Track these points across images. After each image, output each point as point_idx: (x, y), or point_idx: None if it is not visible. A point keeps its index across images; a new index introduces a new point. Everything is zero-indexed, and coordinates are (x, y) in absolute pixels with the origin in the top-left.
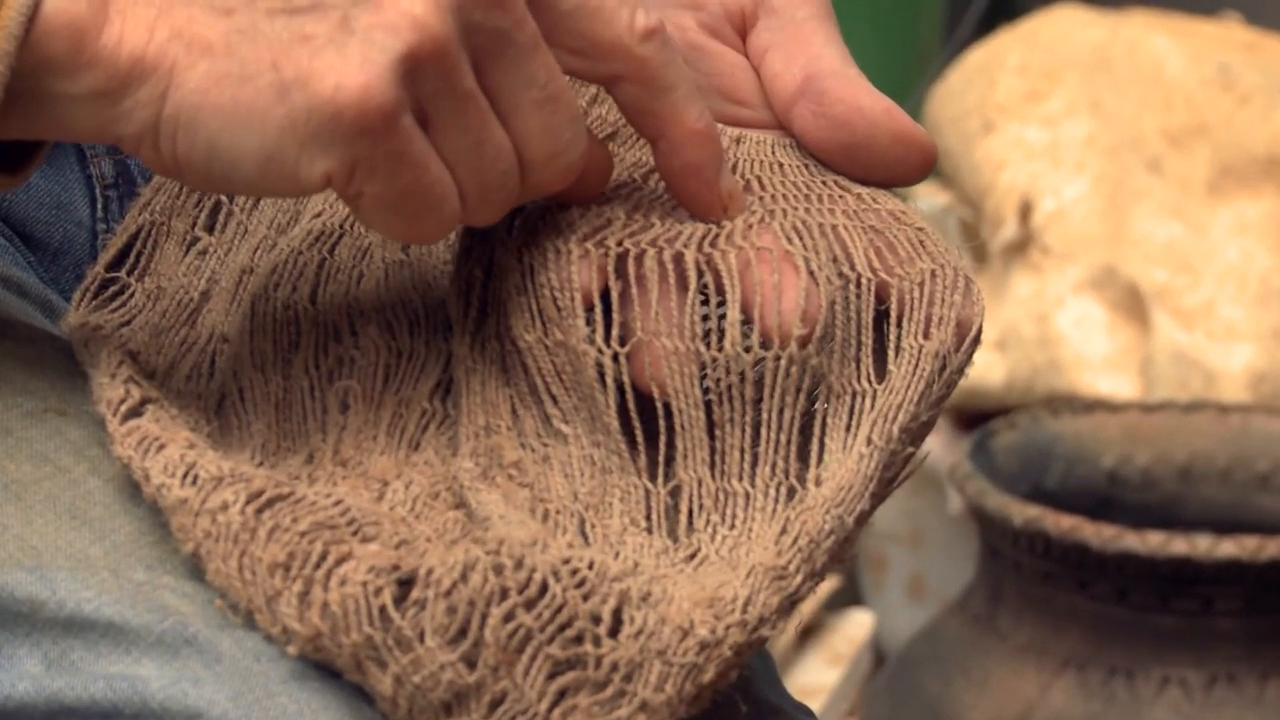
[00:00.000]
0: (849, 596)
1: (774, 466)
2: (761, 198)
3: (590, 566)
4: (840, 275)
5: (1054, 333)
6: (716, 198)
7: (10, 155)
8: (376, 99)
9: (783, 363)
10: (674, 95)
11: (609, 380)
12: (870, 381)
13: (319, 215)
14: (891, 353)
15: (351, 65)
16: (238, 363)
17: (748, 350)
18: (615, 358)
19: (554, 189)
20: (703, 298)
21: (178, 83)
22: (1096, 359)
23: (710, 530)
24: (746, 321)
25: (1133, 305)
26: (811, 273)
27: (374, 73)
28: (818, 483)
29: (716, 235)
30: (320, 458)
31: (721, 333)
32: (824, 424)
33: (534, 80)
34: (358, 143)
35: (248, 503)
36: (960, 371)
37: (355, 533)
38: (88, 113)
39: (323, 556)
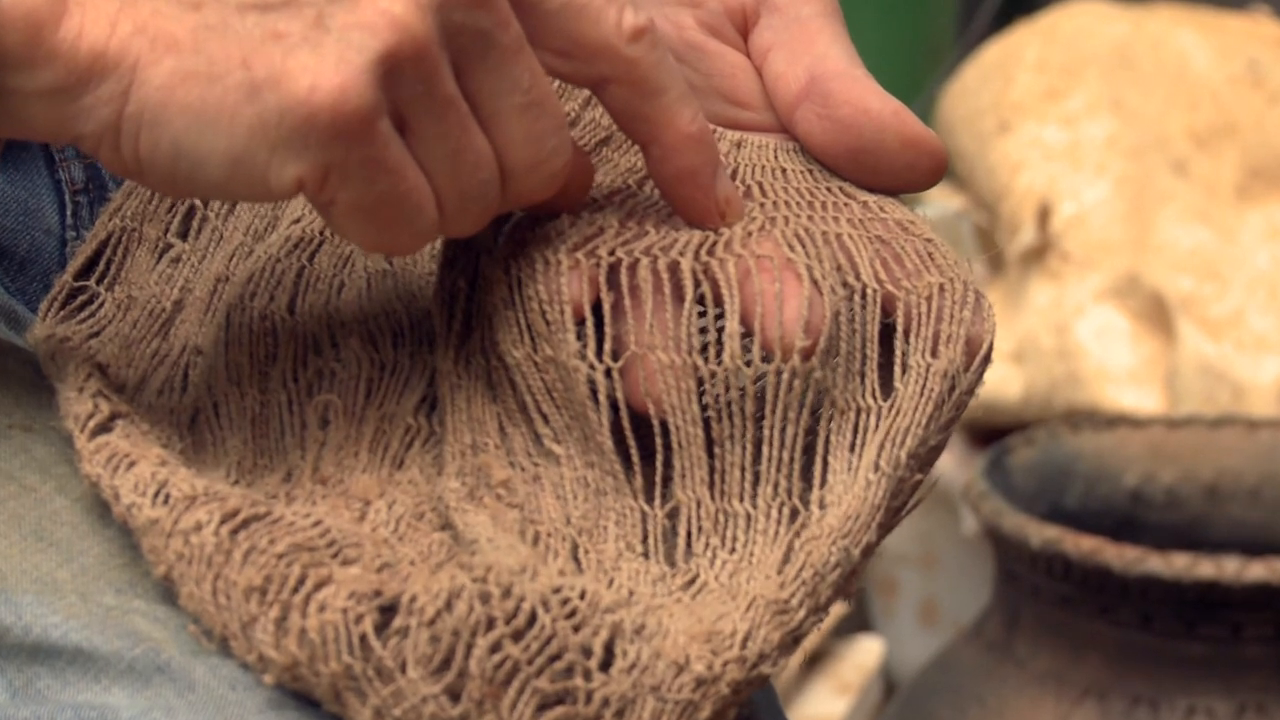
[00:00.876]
0: (857, 622)
1: (776, 486)
2: (763, 204)
3: (582, 596)
4: (844, 285)
5: (1074, 344)
6: (713, 204)
7: None
8: (353, 102)
9: (785, 376)
10: (665, 98)
11: (602, 397)
12: (875, 398)
13: (298, 221)
14: (898, 369)
15: (327, 65)
16: (212, 376)
17: (748, 364)
18: (608, 373)
19: (536, 199)
20: (700, 309)
21: (141, 80)
22: (1119, 371)
23: (709, 554)
24: (746, 333)
25: (1157, 315)
26: (815, 282)
27: (350, 74)
28: (821, 504)
29: (714, 243)
30: (299, 476)
31: (720, 345)
32: (827, 442)
33: (517, 84)
34: (332, 147)
35: (222, 523)
36: (970, 392)
37: (335, 555)
38: (45, 109)
39: (301, 580)
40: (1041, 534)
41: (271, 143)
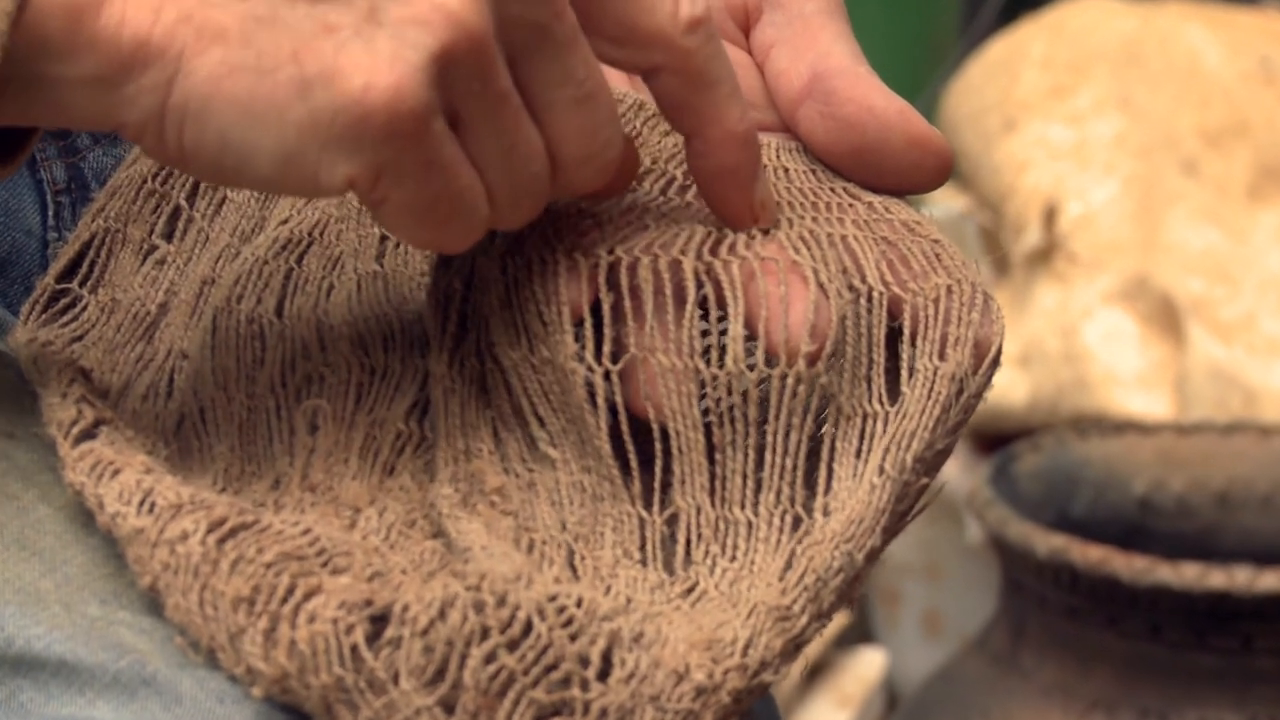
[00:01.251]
0: (859, 633)
1: (779, 493)
2: (777, 216)
3: (578, 604)
4: (850, 288)
5: (1081, 348)
6: (748, 205)
7: (2, 143)
8: (408, 102)
9: (789, 381)
10: (716, 92)
11: (600, 401)
12: (882, 403)
13: (285, 222)
14: (905, 373)
15: (381, 63)
16: (198, 381)
17: (751, 368)
18: (607, 376)
19: (586, 190)
20: (702, 311)
21: (187, 70)
22: (1127, 376)
23: (709, 562)
24: (750, 337)
25: (1166, 318)
26: (821, 285)
27: (405, 72)
28: (825, 512)
29: (717, 242)
30: (287, 483)
31: (722, 349)
32: (833, 448)
33: (571, 77)
34: (385, 148)
35: (209, 532)
36: (978, 395)
37: (325, 564)
38: (87, 98)
39: (290, 590)
40: (1048, 543)
41: (323, 141)
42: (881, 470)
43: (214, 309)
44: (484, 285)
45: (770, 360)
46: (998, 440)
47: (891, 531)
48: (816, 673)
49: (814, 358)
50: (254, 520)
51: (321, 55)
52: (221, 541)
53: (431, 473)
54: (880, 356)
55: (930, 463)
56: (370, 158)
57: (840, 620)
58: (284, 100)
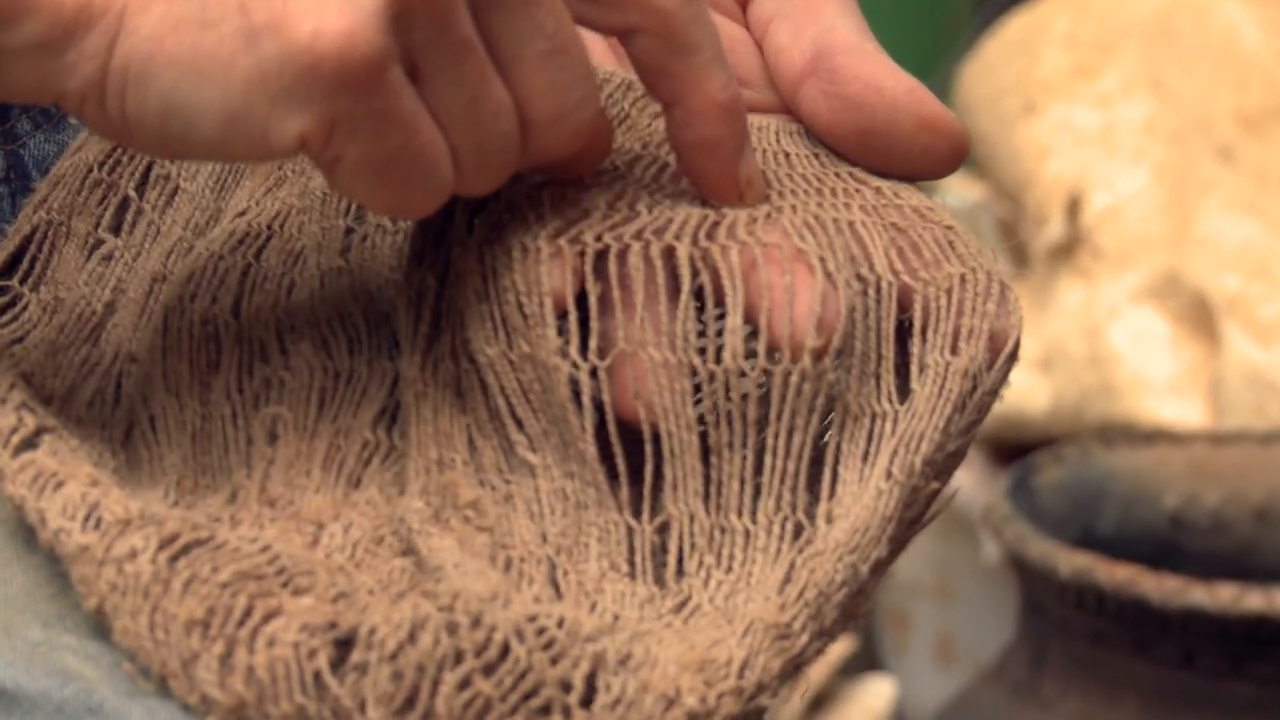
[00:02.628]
0: (866, 660)
1: (779, 499)
2: (766, 195)
3: (560, 624)
4: (858, 278)
5: (1107, 350)
6: (733, 180)
7: None
8: (361, 48)
9: (794, 378)
10: (698, 57)
11: (585, 399)
12: (892, 402)
13: (243, 214)
14: (915, 369)
15: (331, 8)
16: (148, 386)
17: (752, 363)
18: (593, 373)
19: (558, 154)
20: (698, 303)
21: (129, 29)
22: (1158, 381)
23: (703, 574)
24: (750, 330)
25: (1200, 317)
26: (828, 273)
27: (358, 18)
28: (828, 519)
29: (715, 226)
30: (245, 496)
31: (719, 343)
32: (838, 450)
33: (540, 29)
34: (338, 98)
35: (160, 549)
36: (994, 393)
37: (285, 584)
38: (27, 67)
39: (247, 612)
40: (1071, 562)
41: (272, 95)
42: (889, 474)
43: (165, 308)
44: (460, 279)
45: (773, 355)
46: (1017, 450)
47: (899, 541)
48: (820, 703)
49: (820, 353)
50: (208, 537)
51: (269, 4)
52: (173, 560)
53: (401, 485)
54: (889, 351)
55: (941, 466)
56: (322, 109)
57: (845, 646)
58: (229, 53)
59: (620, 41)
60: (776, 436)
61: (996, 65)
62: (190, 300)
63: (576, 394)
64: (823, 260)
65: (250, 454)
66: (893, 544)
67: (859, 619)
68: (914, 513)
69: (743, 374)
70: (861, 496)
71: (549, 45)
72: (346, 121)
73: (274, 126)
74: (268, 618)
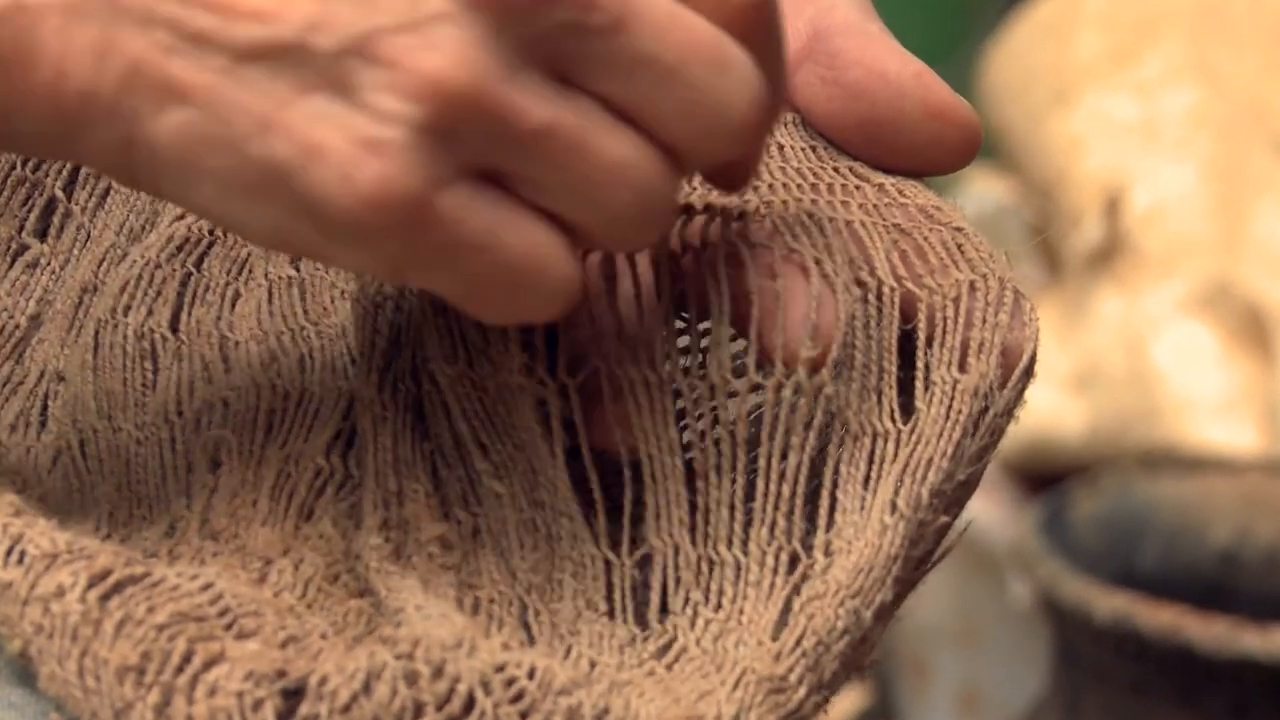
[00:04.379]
0: (882, 713)
1: (772, 527)
2: (756, 187)
3: (530, 675)
4: (858, 283)
5: (1150, 367)
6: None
7: None
8: (397, 192)
9: (787, 393)
10: None
11: (555, 422)
12: (895, 420)
13: (182, 218)
14: (919, 385)
15: (357, 148)
16: (78, 407)
17: (739, 377)
18: (563, 391)
19: (728, 156)
20: (679, 313)
21: (148, 133)
22: (1206, 401)
23: (690, 612)
24: (737, 340)
25: (1252, 330)
26: (825, 276)
27: (390, 156)
28: (827, 551)
29: (687, 225)
30: (184, 529)
31: (704, 356)
32: (837, 473)
33: (640, 59)
34: (389, 242)
35: (90, 587)
36: (1007, 414)
37: (229, 626)
38: (33, 147)
39: (187, 657)
40: (1109, 604)
41: (320, 228)
42: (894, 507)
43: (96, 322)
44: (420, 291)
45: (764, 368)
46: (1048, 480)
47: (906, 583)
48: None
49: (817, 364)
50: (144, 573)
51: (291, 131)
52: (105, 598)
53: (357, 518)
54: (892, 365)
55: (951, 497)
56: (376, 252)
57: (858, 696)
58: (261, 181)
59: None
60: (769, 458)
61: (1024, 49)
62: (124, 313)
63: (545, 415)
64: (819, 262)
65: (190, 482)
66: (898, 586)
67: (863, 671)
68: (921, 550)
69: (731, 391)
70: (864, 531)
71: (660, 69)
72: (409, 259)
73: (333, 255)
74: (209, 664)
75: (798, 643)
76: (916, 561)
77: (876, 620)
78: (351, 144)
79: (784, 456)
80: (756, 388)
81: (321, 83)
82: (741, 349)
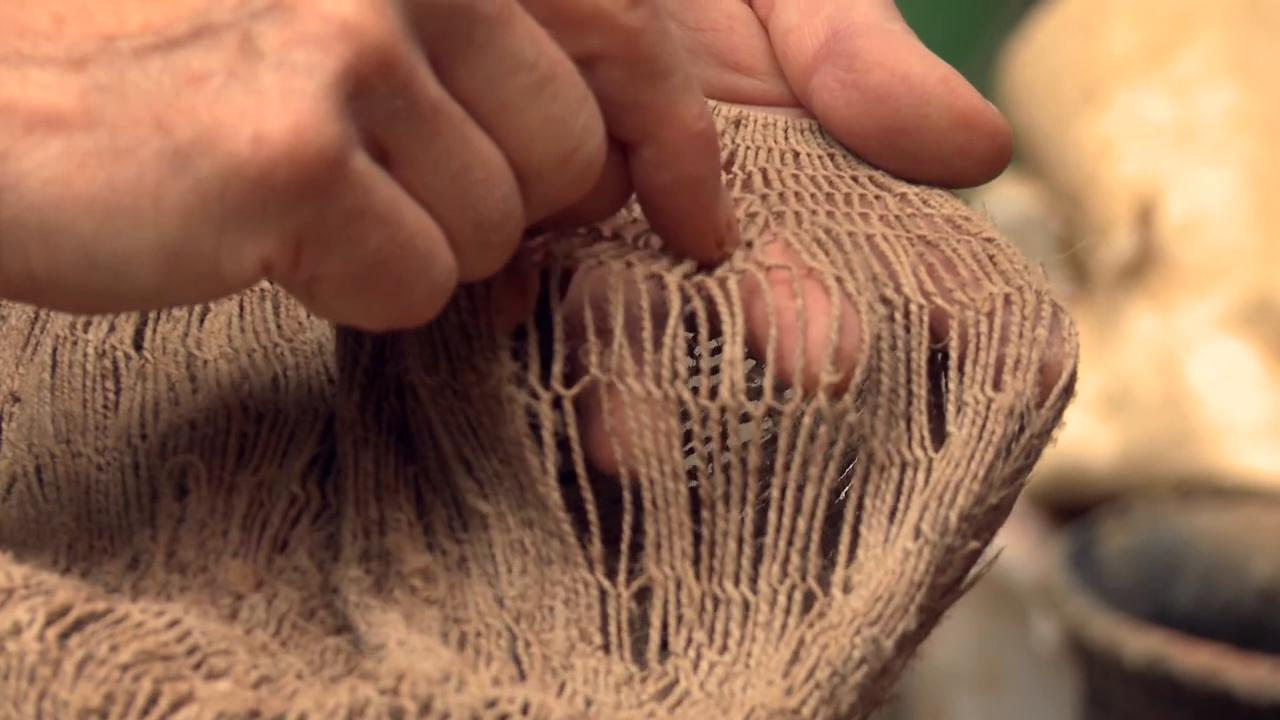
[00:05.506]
0: None
1: (785, 564)
2: (765, 197)
3: (525, 710)
4: (883, 301)
5: (1186, 388)
6: (712, 227)
7: None
8: (314, 145)
9: (807, 420)
10: (669, 83)
11: (546, 434)
12: (925, 449)
13: None
14: (950, 409)
15: (270, 104)
16: (34, 430)
17: (754, 400)
18: (557, 403)
19: (568, 199)
20: (689, 333)
21: (16, 177)
22: (1246, 426)
23: (693, 653)
24: (754, 363)
25: None
26: (848, 294)
27: (304, 108)
28: (846, 588)
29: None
30: (149, 561)
31: (715, 376)
32: (860, 506)
33: (518, 60)
34: (299, 211)
35: (48, 624)
36: (1045, 435)
37: (198, 666)
38: None
39: (153, 699)
40: (1141, 644)
41: (217, 223)
42: (918, 533)
43: (54, 339)
44: None
45: (782, 392)
46: (1076, 511)
47: (931, 612)
48: None
49: (839, 389)
50: (106, 609)
51: (192, 113)
52: (64, 636)
53: (335, 549)
54: (922, 389)
55: (982, 521)
56: (283, 228)
57: None
58: (155, 184)
59: (581, 71)
60: (784, 489)
61: (1051, 46)
62: (83, 329)
63: (535, 428)
64: (840, 280)
65: (156, 511)
66: (923, 615)
67: (882, 706)
68: (949, 578)
69: (744, 415)
70: (885, 560)
71: (533, 76)
72: (315, 234)
73: (226, 259)
74: (176, 705)
75: (810, 674)
76: (944, 589)
77: (898, 651)
78: (261, 104)
79: (800, 488)
80: (772, 413)
81: (222, 60)
82: (756, 370)
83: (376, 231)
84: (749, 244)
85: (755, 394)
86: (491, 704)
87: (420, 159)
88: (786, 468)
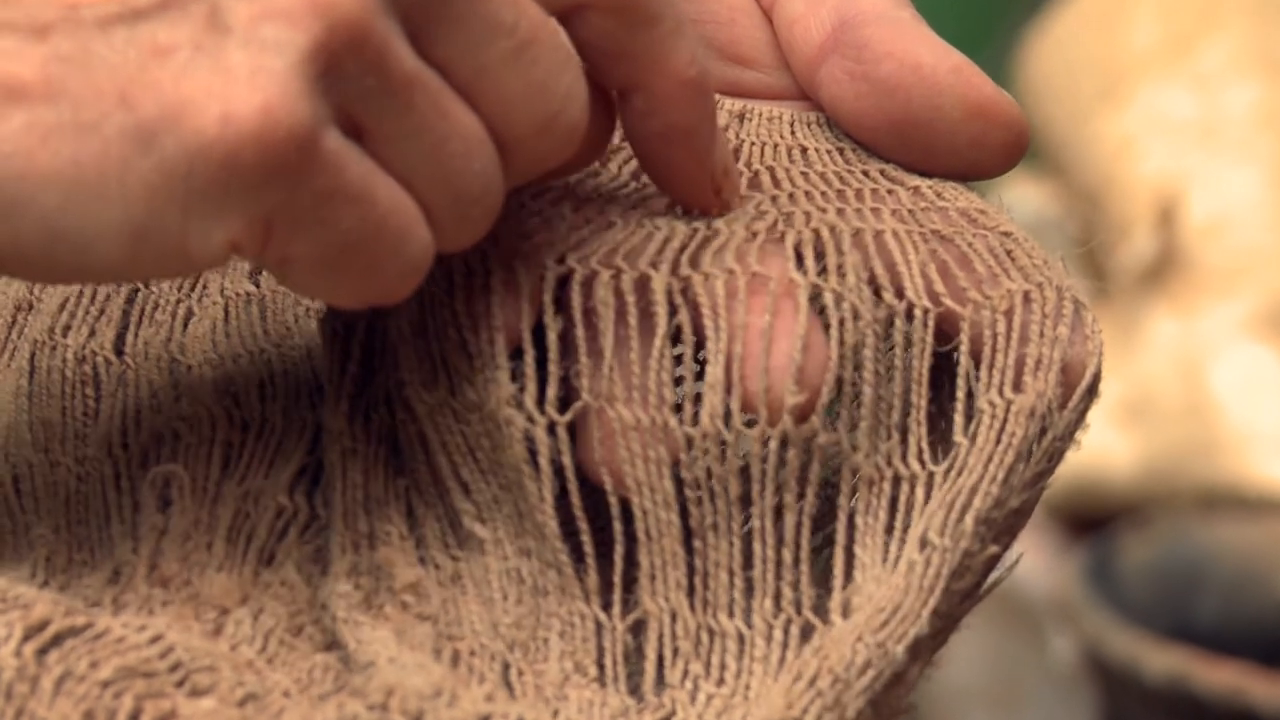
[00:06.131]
0: None
1: (777, 598)
2: (775, 197)
3: None
4: (882, 305)
5: (1209, 395)
6: (707, 176)
7: None
8: (285, 123)
9: (773, 444)
10: (658, 29)
11: (543, 462)
12: (923, 462)
13: None
14: (958, 416)
15: (238, 81)
16: (11, 439)
17: (728, 424)
18: (552, 428)
19: (551, 164)
20: (678, 348)
21: None
22: (1272, 434)
23: (689, 686)
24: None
25: None
26: (823, 309)
27: (274, 86)
28: (845, 612)
29: (703, 245)
30: (130, 575)
31: (698, 399)
32: (852, 526)
33: (497, 24)
34: (268, 191)
35: (26, 639)
36: (1068, 437)
37: (181, 683)
38: None
39: (134, 717)
40: (1162, 661)
41: (183, 203)
42: (924, 542)
43: (32, 343)
44: (395, 308)
45: (750, 417)
46: (1094, 523)
47: (948, 618)
48: None
49: (804, 412)
50: (86, 624)
51: (158, 89)
52: (43, 652)
53: (324, 563)
54: (921, 398)
55: (1001, 525)
56: (251, 208)
57: None
58: (120, 161)
59: (563, 23)
60: (762, 519)
61: (1069, 39)
62: (63, 333)
63: (533, 454)
64: (817, 289)
65: (137, 523)
66: (939, 620)
67: (898, 717)
68: (967, 583)
69: (722, 441)
70: (889, 577)
71: (512, 41)
72: (285, 215)
73: (194, 238)
74: None
75: (811, 682)
76: (961, 594)
77: (912, 657)
78: (229, 83)
79: (778, 517)
80: (741, 436)
81: (192, 29)
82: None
83: (349, 212)
84: (752, 235)
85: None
86: (485, 719)
87: (395, 134)
88: (761, 496)
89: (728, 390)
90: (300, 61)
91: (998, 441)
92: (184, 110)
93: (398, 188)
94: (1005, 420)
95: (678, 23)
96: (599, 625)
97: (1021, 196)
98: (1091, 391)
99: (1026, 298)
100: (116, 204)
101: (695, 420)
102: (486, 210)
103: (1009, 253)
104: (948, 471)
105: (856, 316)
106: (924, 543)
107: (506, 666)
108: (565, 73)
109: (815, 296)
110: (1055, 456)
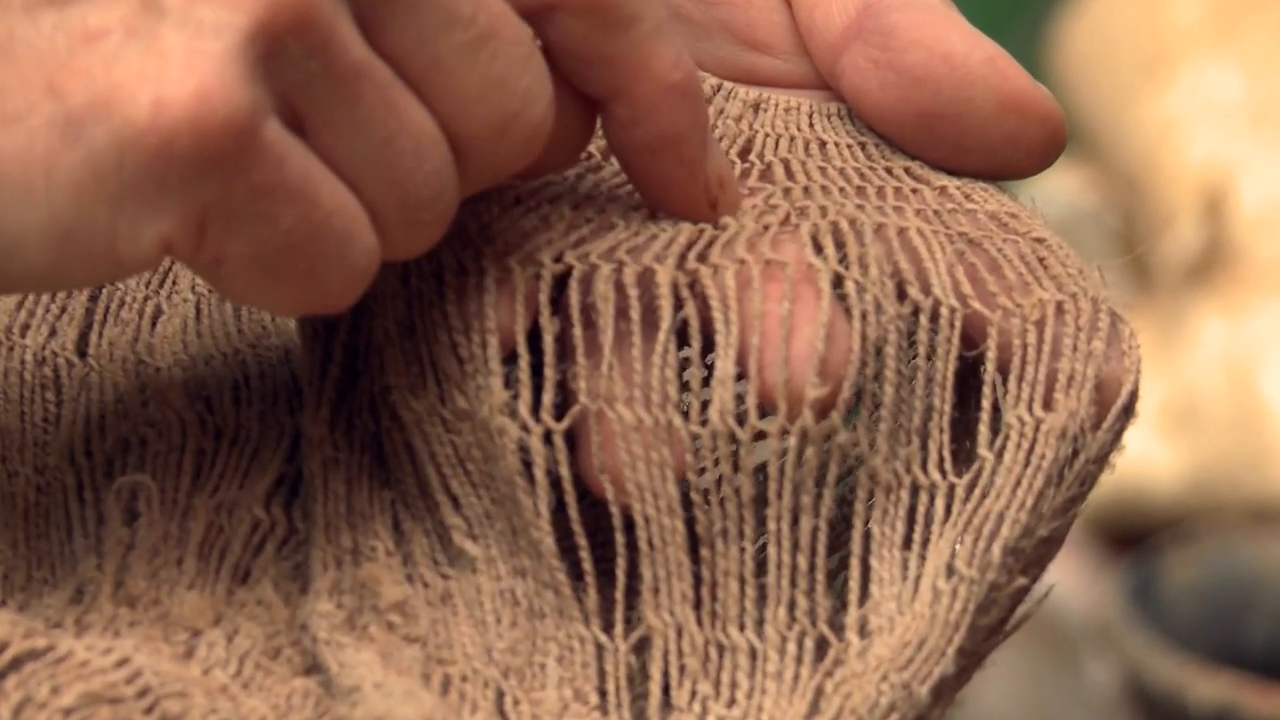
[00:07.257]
0: None
1: (791, 608)
2: (789, 191)
3: None
4: (906, 300)
5: (1260, 401)
6: (700, 188)
7: None
8: (221, 110)
9: (792, 441)
10: (638, 31)
11: (539, 473)
12: (944, 471)
13: None
14: (982, 428)
15: (172, 66)
16: None
17: (741, 422)
18: (548, 437)
19: (510, 169)
20: (685, 343)
21: None
22: None
23: (698, 708)
24: (743, 376)
25: None
26: (844, 296)
27: (209, 70)
28: (862, 631)
29: (710, 241)
30: (95, 593)
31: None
32: (868, 536)
33: (453, 15)
34: (203, 184)
35: None
36: (1102, 460)
37: (149, 710)
38: None
39: None
40: (1210, 688)
41: (112, 198)
42: (951, 571)
43: None
44: (380, 307)
45: (767, 411)
46: (1136, 539)
47: (973, 656)
48: None
49: (825, 406)
50: (47, 647)
51: (88, 76)
52: (1, 676)
53: (303, 581)
54: (945, 403)
55: (1030, 556)
56: (185, 202)
57: None
58: (45, 154)
59: (534, 25)
60: (779, 521)
61: (1108, 16)
62: (21, 334)
63: (528, 465)
64: (838, 279)
65: (102, 537)
66: (963, 659)
67: None
68: (993, 618)
69: (734, 440)
70: (911, 602)
71: (470, 34)
72: (220, 210)
73: (124, 237)
74: None
75: None
76: (987, 631)
77: (935, 699)
78: (162, 66)
79: (795, 520)
80: (759, 435)
81: (121, 16)
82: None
83: (289, 209)
84: (764, 229)
85: (743, 415)
86: None
87: (340, 127)
88: (779, 497)
89: (740, 384)
90: (239, 44)
91: (1026, 464)
92: (114, 97)
93: (342, 187)
94: (1034, 441)
95: (659, 22)
96: (600, 648)
97: (1056, 186)
98: (1128, 411)
99: (1059, 308)
100: (41, 202)
101: (704, 419)
102: (438, 216)
103: (1041, 260)
104: (970, 487)
105: (880, 310)
106: (950, 571)
107: (501, 695)
108: (526, 70)
109: (836, 284)
110: (1088, 481)
